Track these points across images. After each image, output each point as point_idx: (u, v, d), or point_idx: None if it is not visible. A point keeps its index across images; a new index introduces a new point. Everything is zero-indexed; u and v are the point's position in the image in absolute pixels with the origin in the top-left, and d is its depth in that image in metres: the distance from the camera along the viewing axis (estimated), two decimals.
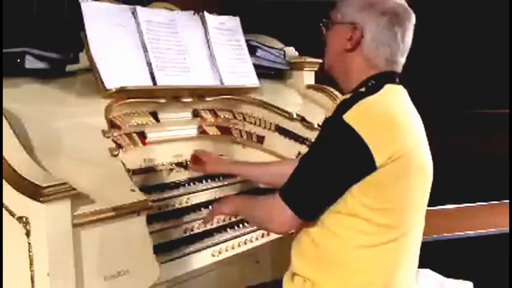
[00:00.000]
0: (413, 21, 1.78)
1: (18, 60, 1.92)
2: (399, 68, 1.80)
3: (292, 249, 1.84)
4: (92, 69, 2.06)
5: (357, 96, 1.71)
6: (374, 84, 1.73)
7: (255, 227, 2.31)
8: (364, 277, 1.72)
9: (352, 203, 1.67)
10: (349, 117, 1.63)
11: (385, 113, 1.69)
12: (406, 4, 1.79)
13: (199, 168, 2.31)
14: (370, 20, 1.73)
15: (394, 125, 1.68)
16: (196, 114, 2.46)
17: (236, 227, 2.29)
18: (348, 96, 1.74)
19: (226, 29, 2.62)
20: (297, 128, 2.62)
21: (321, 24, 1.87)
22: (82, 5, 2.07)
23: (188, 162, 2.37)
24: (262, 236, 2.38)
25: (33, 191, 1.54)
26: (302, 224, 1.78)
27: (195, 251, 2.13)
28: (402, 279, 1.79)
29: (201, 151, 2.35)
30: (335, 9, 1.82)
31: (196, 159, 2.31)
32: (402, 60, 1.79)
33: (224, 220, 2.29)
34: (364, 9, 1.74)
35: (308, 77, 3.00)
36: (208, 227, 2.22)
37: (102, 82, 2.04)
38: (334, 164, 1.66)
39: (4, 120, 1.66)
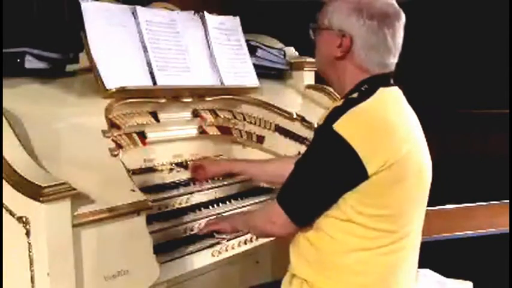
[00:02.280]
0: (403, 20, 1.74)
1: (18, 60, 1.93)
2: (392, 68, 1.76)
3: (291, 250, 1.83)
4: (92, 69, 2.06)
5: (348, 103, 1.68)
6: (367, 88, 1.70)
7: None
8: (362, 279, 1.72)
9: (348, 210, 1.66)
10: (339, 126, 1.61)
11: (377, 119, 1.66)
12: (395, 3, 1.74)
13: (200, 174, 2.32)
14: (359, 26, 1.68)
15: (387, 131, 1.66)
16: (196, 114, 2.46)
17: None
18: (339, 102, 1.71)
19: (226, 29, 2.62)
20: (297, 128, 2.62)
21: (309, 28, 1.83)
22: (82, 5, 2.07)
23: (188, 162, 2.37)
24: None
25: (33, 191, 1.54)
26: (300, 227, 1.78)
27: (195, 251, 2.12)
28: (401, 282, 1.78)
29: (197, 160, 2.37)
30: (322, 14, 1.78)
31: (196, 167, 2.33)
32: (394, 60, 1.75)
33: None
34: (351, 15, 1.69)
35: (308, 77, 3.00)
36: None
37: (102, 82, 2.04)
38: (326, 173, 1.65)
39: (4, 120, 1.66)
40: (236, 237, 2.27)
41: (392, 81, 1.78)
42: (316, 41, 1.83)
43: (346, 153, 1.60)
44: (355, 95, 1.71)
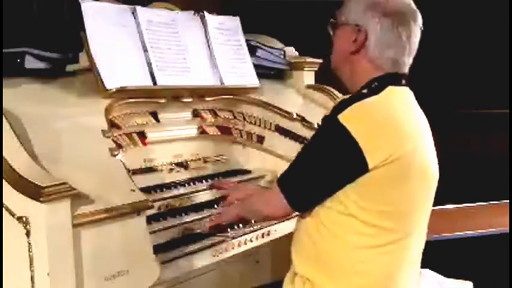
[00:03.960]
0: (420, 21, 1.77)
1: (18, 60, 1.92)
2: (405, 69, 1.78)
3: (292, 249, 1.84)
4: (92, 69, 2.06)
5: (356, 97, 1.71)
6: (377, 86, 1.73)
7: (255, 227, 2.31)
8: (364, 278, 1.72)
9: (349, 204, 1.67)
10: (344, 117, 1.63)
11: (382, 114, 1.68)
12: (412, 4, 1.77)
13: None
14: (374, 22, 1.72)
15: (391, 127, 1.67)
16: (196, 114, 2.46)
17: (236, 227, 2.29)
18: (347, 96, 1.74)
19: (226, 29, 2.62)
20: (297, 128, 2.62)
21: (328, 25, 1.86)
22: (82, 5, 2.07)
23: (188, 162, 2.37)
24: (262, 236, 2.37)
25: (33, 191, 1.53)
26: (301, 224, 1.79)
27: (195, 251, 2.12)
28: (402, 282, 1.79)
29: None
30: (340, 10, 1.82)
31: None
32: (408, 60, 1.78)
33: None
34: (367, 11, 1.73)
35: (308, 77, 3.00)
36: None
37: (102, 82, 2.04)
38: (327, 162, 1.68)
39: (4, 121, 1.66)
40: (236, 238, 2.27)
41: (404, 82, 1.79)
42: (334, 37, 1.85)
43: (349, 145, 1.61)
44: (364, 91, 1.73)
